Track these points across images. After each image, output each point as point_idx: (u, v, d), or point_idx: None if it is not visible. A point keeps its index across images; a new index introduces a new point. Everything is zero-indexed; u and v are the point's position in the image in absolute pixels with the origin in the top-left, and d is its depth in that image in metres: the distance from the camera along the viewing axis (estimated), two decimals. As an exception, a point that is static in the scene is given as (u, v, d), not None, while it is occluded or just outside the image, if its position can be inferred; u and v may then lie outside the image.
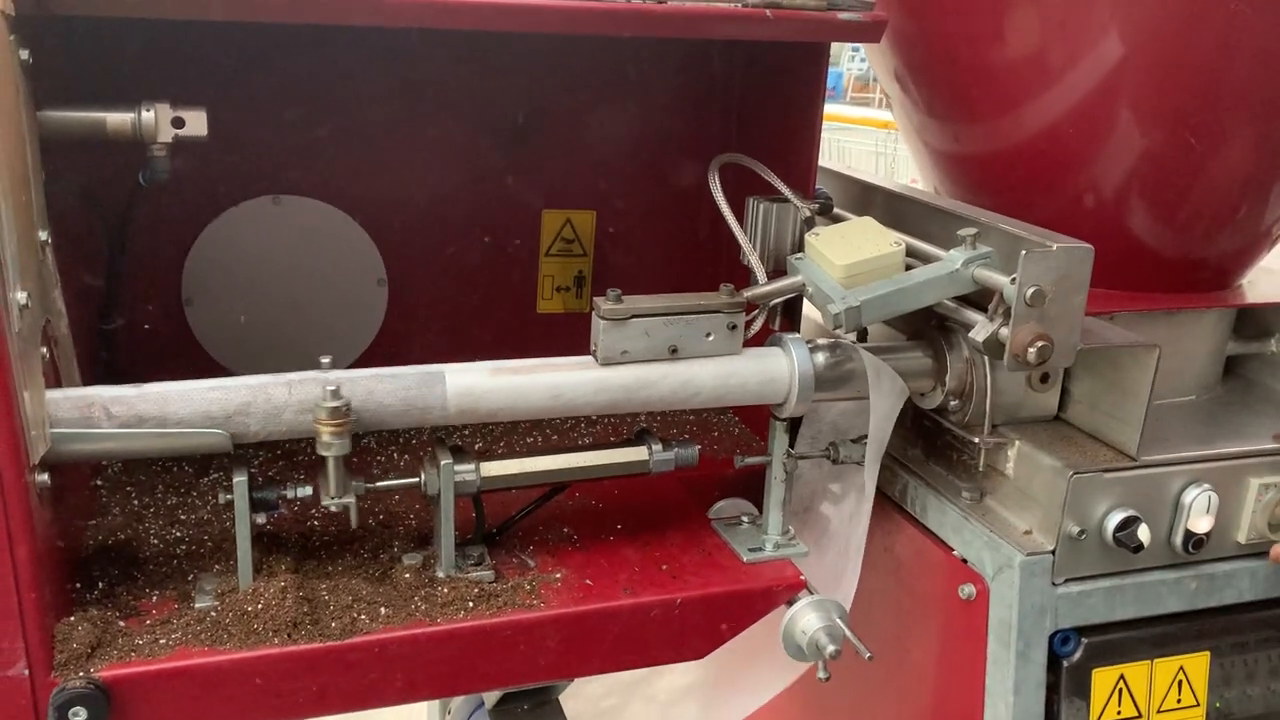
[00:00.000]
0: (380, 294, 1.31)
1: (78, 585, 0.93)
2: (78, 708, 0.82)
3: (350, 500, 0.93)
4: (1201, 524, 1.04)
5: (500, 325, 1.38)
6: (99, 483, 1.11)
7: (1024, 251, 0.91)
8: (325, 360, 0.92)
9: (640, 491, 1.20)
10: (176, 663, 0.86)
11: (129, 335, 1.21)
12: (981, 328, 0.97)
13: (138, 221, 1.14)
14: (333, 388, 0.89)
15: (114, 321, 1.14)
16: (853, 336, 1.08)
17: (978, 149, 1.22)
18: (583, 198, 1.37)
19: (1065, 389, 1.11)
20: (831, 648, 1.00)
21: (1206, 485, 1.04)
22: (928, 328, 1.11)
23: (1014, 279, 0.92)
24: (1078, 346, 0.96)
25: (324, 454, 0.90)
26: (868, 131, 6.69)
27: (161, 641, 0.88)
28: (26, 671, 0.81)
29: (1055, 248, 0.92)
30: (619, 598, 0.99)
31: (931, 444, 1.19)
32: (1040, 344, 0.92)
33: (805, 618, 1.02)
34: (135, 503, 1.09)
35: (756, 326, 1.07)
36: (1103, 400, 1.07)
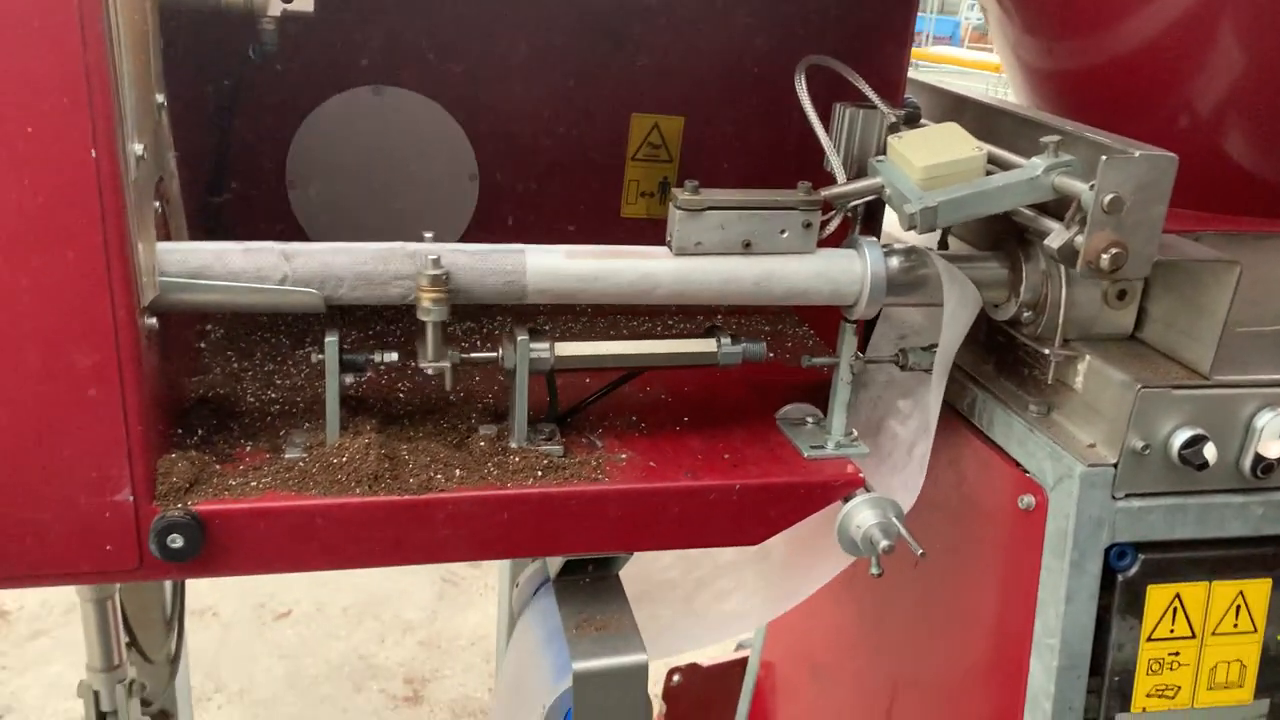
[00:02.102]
0: (472, 188, 1.36)
1: (179, 431, 1.00)
2: (175, 535, 0.89)
3: (445, 365, 0.98)
4: (1273, 449, 1.03)
5: (584, 226, 1.42)
6: (202, 345, 1.19)
7: (1104, 157, 0.91)
8: (428, 235, 0.97)
9: (709, 390, 1.24)
10: (265, 503, 0.93)
11: (236, 212, 1.27)
12: (1058, 234, 0.97)
13: (248, 103, 1.21)
14: (434, 257, 0.94)
15: (222, 194, 1.21)
16: (932, 243, 1.09)
17: (1072, 64, 1.20)
18: (671, 103, 1.38)
19: (1143, 308, 1.10)
20: (885, 543, 1.03)
21: (1280, 410, 1.03)
22: (1007, 239, 1.11)
23: (1092, 185, 0.92)
24: (1154, 258, 0.95)
25: (424, 319, 0.95)
26: (983, 75, 6.56)
27: (252, 484, 0.95)
28: (131, 498, 0.89)
29: (1137, 154, 0.92)
30: (680, 479, 1.03)
31: (1004, 359, 1.19)
32: (1114, 251, 0.92)
33: (861, 513, 1.05)
34: (235, 365, 1.16)
35: (833, 227, 1.08)
36: (1179, 319, 1.06)
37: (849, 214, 1.13)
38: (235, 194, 1.26)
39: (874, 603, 1.47)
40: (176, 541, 0.89)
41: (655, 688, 2.72)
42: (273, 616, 3.24)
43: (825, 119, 1.13)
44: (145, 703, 1.24)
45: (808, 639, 1.72)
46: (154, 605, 1.33)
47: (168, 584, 1.35)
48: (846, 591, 1.57)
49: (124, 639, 1.18)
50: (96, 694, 1.15)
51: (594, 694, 1.02)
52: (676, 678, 2.05)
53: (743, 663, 1.97)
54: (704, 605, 1.19)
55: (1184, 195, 1.16)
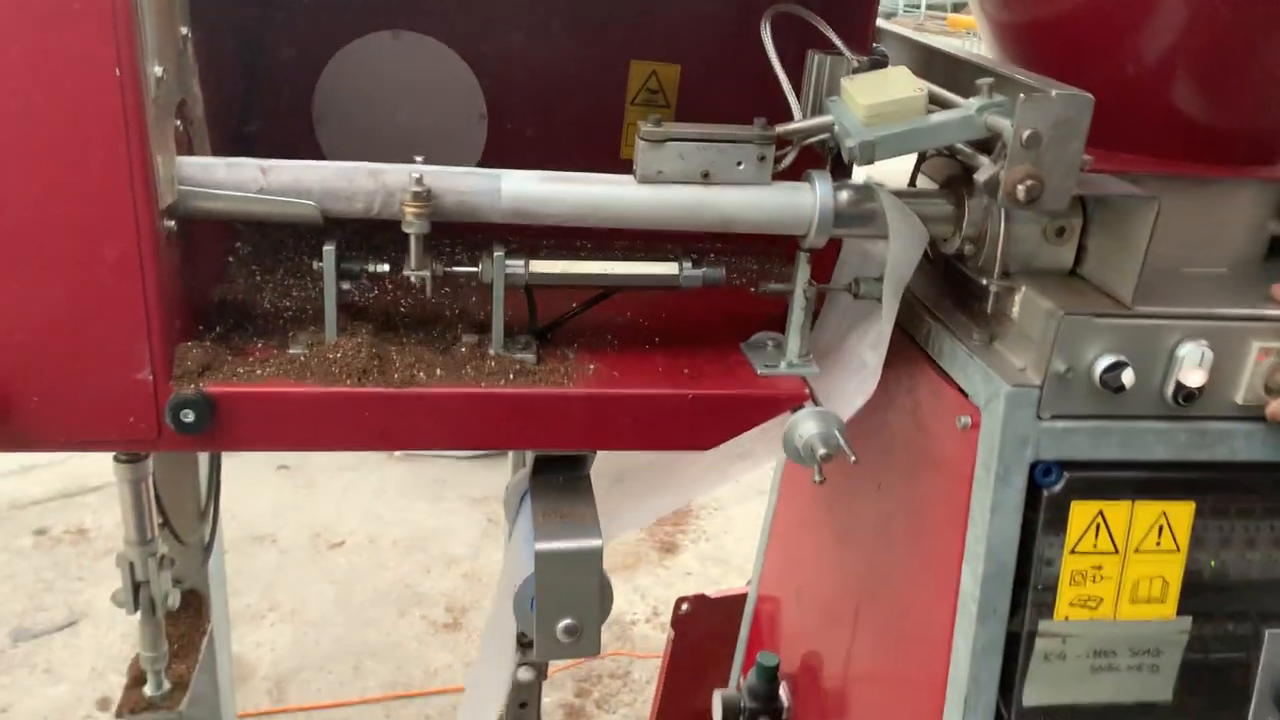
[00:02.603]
0: (481, 128, 1.48)
1: (200, 328, 1.15)
2: (188, 410, 1.03)
3: (425, 273, 1.10)
4: (1192, 378, 1.10)
5: (585, 166, 1.52)
6: (230, 260, 1.33)
7: (1022, 96, 0.99)
8: (419, 158, 1.09)
9: (683, 319, 1.34)
10: (267, 388, 1.07)
11: (266, 144, 1.41)
12: (986, 168, 1.05)
13: (279, 45, 1.34)
14: (417, 175, 1.06)
15: (251, 125, 1.34)
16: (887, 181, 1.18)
17: (1026, 17, 1.26)
18: (669, 51, 1.48)
19: (1082, 245, 1.18)
20: (823, 450, 1.13)
21: (1203, 342, 1.09)
22: (955, 178, 1.19)
23: (1014, 122, 1.00)
24: (1071, 192, 1.03)
25: (408, 231, 1.07)
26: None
27: (258, 372, 1.09)
28: (150, 377, 1.03)
29: (1054, 94, 0.99)
30: (639, 387, 1.15)
31: (957, 295, 1.28)
32: (1030, 183, 1.00)
33: (804, 424, 1.15)
34: (257, 278, 1.30)
35: (787, 161, 1.17)
36: (1110, 254, 1.13)
37: (820, 152, 1.21)
38: (268, 128, 1.40)
39: (843, 525, 1.57)
40: (188, 416, 1.03)
41: (660, 605, 2.84)
42: (327, 546, 3.44)
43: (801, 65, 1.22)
44: (177, 580, 1.40)
45: (794, 567, 1.82)
46: (188, 496, 1.49)
47: (202, 476, 1.51)
48: (823, 518, 1.67)
49: (157, 520, 1.34)
50: (131, 564, 1.31)
51: (553, 572, 1.14)
52: (685, 606, 2.16)
53: (744, 595, 2.08)
54: (714, 460, 1.29)
55: (1136, 142, 1.24)
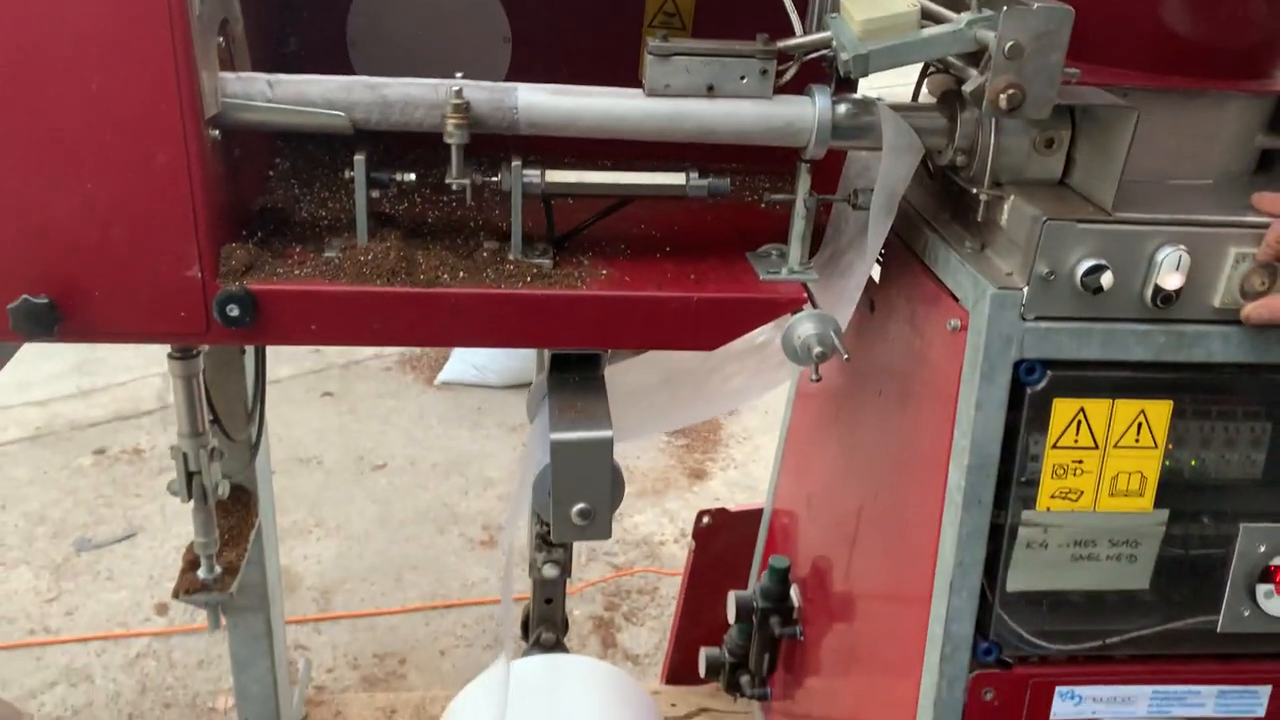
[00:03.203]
0: (505, 50, 1.55)
1: (243, 233, 1.24)
2: (233, 305, 1.13)
3: (466, 182, 1.18)
4: (1170, 281, 1.16)
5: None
6: (271, 174, 1.43)
7: (1005, 8, 1.04)
8: (459, 74, 1.17)
9: (695, 231, 1.42)
10: (305, 287, 1.17)
11: (303, 64, 1.49)
12: (973, 80, 1.11)
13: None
14: (456, 89, 1.14)
15: (289, 45, 1.43)
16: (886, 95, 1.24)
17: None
18: (685, -25, 1.54)
19: (1071, 156, 1.23)
20: (819, 350, 1.21)
21: (1181, 247, 1.15)
22: (949, 92, 1.25)
23: (997, 34, 1.06)
24: (1053, 101, 1.09)
25: (449, 142, 1.16)
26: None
27: (296, 273, 1.18)
28: (199, 275, 1.13)
29: (1035, 7, 1.05)
30: (648, 290, 1.23)
31: (954, 206, 1.34)
32: (1011, 91, 1.06)
33: (802, 326, 1.22)
34: (296, 191, 1.40)
35: (789, 76, 1.23)
36: (1093, 163, 1.19)
37: (825, 69, 1.27)
38: (305, 49, 1.48)
39: (848, 433, 1.65)
40: (234, 311, 1.13)
41: (687, 526, 2.94)
42: (370, 467, 3.59)
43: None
44: (226, 475, 1.52)
45: (805, 477, 1.91)
46: (236, 398, 1.61)
47: (249, 380, 1.62)
48: (830, 428, 1.75)
49: (208, 417, 1.46)
50: (185, 455, 1.42)
51: (568, 459, 1.24)
52: (706, 519, 2.26)
53: (762, 509, 2.17)
54: (714, 386, 1.38)
55: (1126, 56, 1.28)
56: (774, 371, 1.28)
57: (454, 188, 1.19)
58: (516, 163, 1.20)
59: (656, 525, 3.32)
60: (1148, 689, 1.33)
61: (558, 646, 1.77)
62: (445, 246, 1.27)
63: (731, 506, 2.29)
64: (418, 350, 4.34)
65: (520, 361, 4.02)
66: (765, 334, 1.26)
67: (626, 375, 1.40)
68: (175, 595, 1.54)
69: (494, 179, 1.23)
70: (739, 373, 1.39)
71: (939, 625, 1.28)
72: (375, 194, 1.22)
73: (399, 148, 1.47)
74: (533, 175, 1.22)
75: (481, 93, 1.16)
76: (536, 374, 1.53)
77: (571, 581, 2.22)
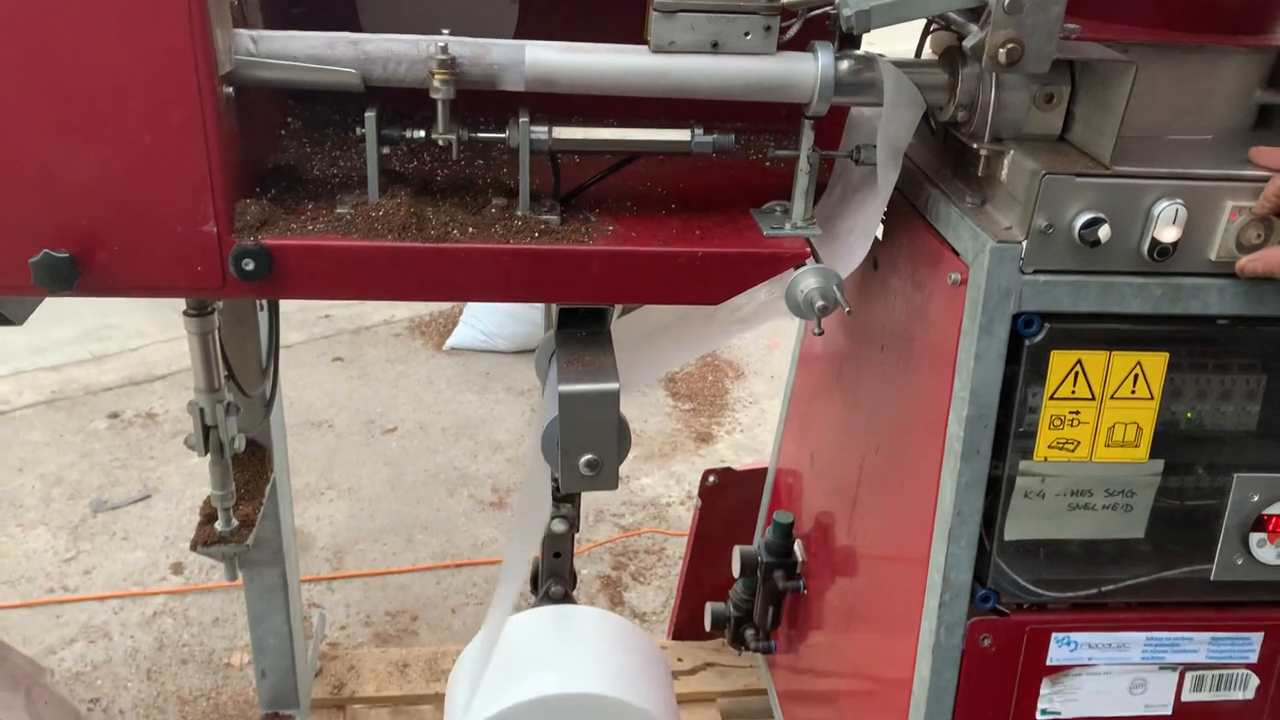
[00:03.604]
0: (512, 11, 1.56)
1: (256, 190, 1.27)
2: (248, 259, 1.16)
3: (453, 137, 1.21)
4: (1167, 234, 1.18)
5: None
6: (283, 133, 1.45)
7: (1005, -38, 1.06)
8: (445, 31, 1.19)
9: (701, 189, 1.44)
10: (318, 241, 1.19)
11: (311, 26, 1.51)
12: (974, 35, 1.13)
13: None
14: (442, 44, 1.16)
15: (299, 7, 1.44)
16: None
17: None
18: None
19: (1071, 111, 1.25)
20: (821, 303, 1.23)
21: (1178, 200, 1.17)
22: (951, 48, 1.26)
23: (998, -11, 1.07)
24: (1052, 55, 1.10)
25: (434, 97, 1.18)
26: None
27: (309, 228, 1.21)
28: (215, 230, 1.15)
29: (1035, -39, 1.06)
30: (653, 245, 1.25)
31: (956, 162, 1.36)
32: (1010, 46, 1.08)
33: (806, 280, 1.25)
34: (308, 149, 1.42)
35: (793, 32, 1.24)
36: (1092, 118, 1.20)
37: (829, 27, 1.29)
38: (313, 10, 1.50)
39: (851, 389, 1.68)
40: (249, 265, 1.16)
41: (694, 488, 2.98)
42: (380, 431, 3.63)
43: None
44: (242, 430, 1.55)
45: (808, 434, 1.94)
46: (250, 356, 1.64)
47: (263, 337, 1.65)
48: (833, 385, 1.78)
49: (224, 373, 1.49)
50: (202, 410, 1.46)
51: (575, 411, 1.27)
52: (712, 479, 2.29)
53: (766, 468, 2.21)
54: (725, 316, 1.40)
55: (1127, 11, 1.30)
56: (777, 302, 1.30)
57: (440, 143, 1.21)
58: (524, 119, 1.22)
59: (663, 488, 3.35)
60: (1141, 635, 1.36)
61: (566, 600, 1.80)
62: (454, 203, 1.29)
63: (737, 466, 2.32)
64: (426, 316, 4.37)
65: (527, 328, 4.05)
66: (767, 289, 1.28)
67: (631, 331, 1.43)
68: (193, 547, 1.58)
69: (501, 135, 1.25)
70: (744, 304, 1.40)
71: (938, 573, 1.31)
72: (385, 150, 1.24)
73: (409, 107, 1.49)
74: (540, 131, 1.24)
75: (491, 49, 1.18)
76: (544, 330, 1.55)
77: (580, 542, 2.27)
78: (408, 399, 3.82)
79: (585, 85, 1.20)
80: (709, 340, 1.38)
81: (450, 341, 4.14)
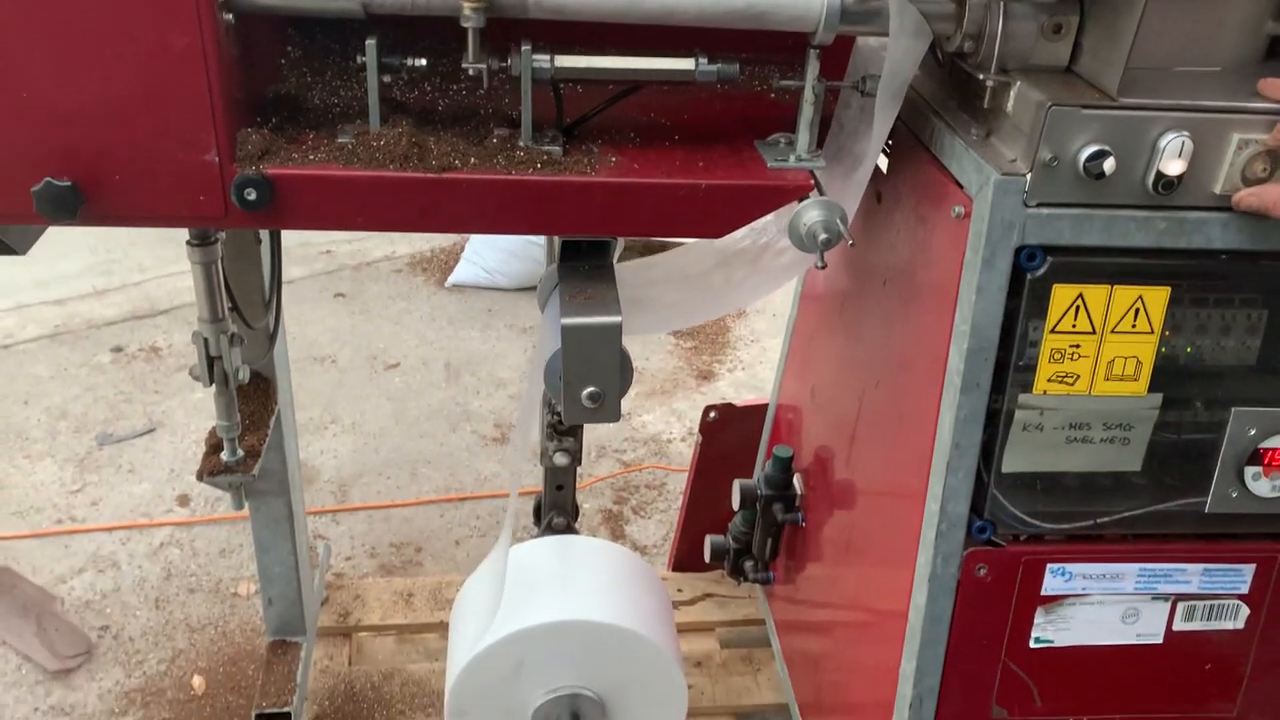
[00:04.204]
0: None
1: (257, 119, 1.26)
2: (250, 189, 1.16)
3: (483, 66, 1.19)
4: (1172, 167, 1.17)
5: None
6: (283, 62, 1.44)
7: (1015, -113, 1.04)
8: None
9: (706, 121, 1.43)
10: (319, 171, 1.19)
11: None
12: (981, -37, 1.11)
13: None
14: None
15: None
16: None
17: None
18: None
19: (1079, 43, 1.23)
20: (824, 236, 1.23)
21: (1185, 133, 1.17)
22: (959, -22, 1.25)
23: (1008, -85, 1.06)
24: (1060, -19, 1.09)
25: (466, 25, 1.16)
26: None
27: (311, 158, 1.20)
28: (216, 159, 1.15)
29: (1046, -114, 1.05)
30: (656, 176, 1.25)
31: (962, 94, 1.35)
32: (1017, -28, 1.06)
33: (809, 212, 1.24)
34: (308, 79, 1.40)
35: (798, -38, 1.23)
36: (1100, 49, 1.19)
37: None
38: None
39: (853, 324, 1.68)
40: (251, 194, 1.16)
41: (695, 425, 3.00)
42: (383, 366, 3.64)
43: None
44: (246, 361, 1.56)
45: (809, 370, 1.95)
46: (254, 288, 1.64)
47: (265, 270, 1.66)
48: (835, 320, 1.78)
49: (227, 304, 1.49)
50: (206, 340, 1.46)
51: (578, 344, 1.28)
52: (712, 415, 2.31)
53: (767, 404, 2.22)
54: (721, 287, 1.41)
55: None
56: (781, 271, 1.31)
57: (470, 72, 1.20)
58: (526, 47, 1.21)
59: (664, 424, 3.37)
60: (1135, 567, 1.39)
61: (568, 531, 1.83)
62: (456, 133, 1.28)
63: (737, 401, 2.34)
64: (428, 252, 4.35)
65: (529, 265, 4.04)
66: (769, 228, 1.28)
67: (636, 275, 1.43)
68: (199, 477, 1.60)
69: (504, 64, 1.24)
70: (747, 274, 1.42)
71: (935, 504, 1.33)
72: (386, 79, 1.23)
73: (409, 37, 1.47)
74: (542, 60, 1.23)
75: (492, -24, 1.16)
76: (546, 264, 1.55)
77: (581, 476, 2.29)
78: (410, 335, 3.82)
79: (593, 12, 1.19)
80: (715, 308, 1.40)
81: (452, 278, 4.14)
